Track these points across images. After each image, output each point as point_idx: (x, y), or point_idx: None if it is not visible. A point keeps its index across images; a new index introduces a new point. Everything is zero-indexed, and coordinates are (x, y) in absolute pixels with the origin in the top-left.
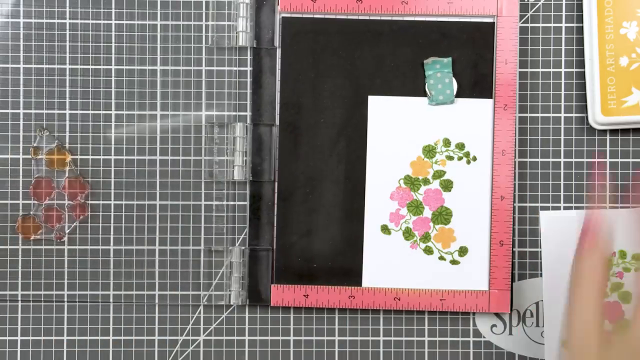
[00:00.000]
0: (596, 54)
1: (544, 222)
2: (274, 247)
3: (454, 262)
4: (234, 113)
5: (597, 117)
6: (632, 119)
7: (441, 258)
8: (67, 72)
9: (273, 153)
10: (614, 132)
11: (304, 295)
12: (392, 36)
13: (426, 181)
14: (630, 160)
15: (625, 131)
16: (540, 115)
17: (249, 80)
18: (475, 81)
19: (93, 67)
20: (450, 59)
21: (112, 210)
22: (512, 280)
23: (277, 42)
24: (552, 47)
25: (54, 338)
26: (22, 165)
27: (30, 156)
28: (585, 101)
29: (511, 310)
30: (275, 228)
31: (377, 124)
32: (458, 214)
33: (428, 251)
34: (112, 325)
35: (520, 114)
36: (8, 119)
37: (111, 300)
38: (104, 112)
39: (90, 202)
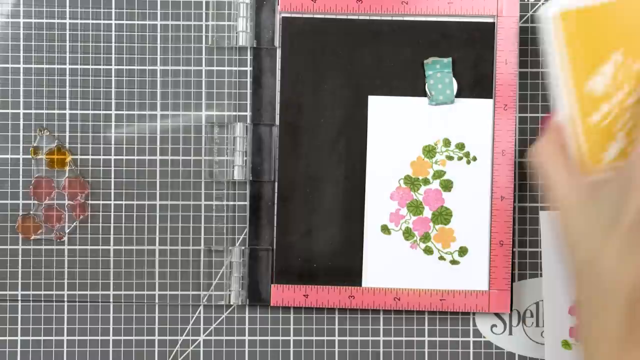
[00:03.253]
0: (572, 111)
1: (544, 222)
2: (274, 247)
3: (454, 262)
4: (234, 113)
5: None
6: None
7: (441, 258)
8: (67, 72)
9: (273, 153)
10: None
11: (304, 295)
12: (392, 36)
13: (426, 181)
14: None
15: None
16: (540, 115)
17: (249, 80)
18: (475, 81)
19: (93, 67)
20: (450, 59)
21: (112, 210)
22: (512, 280)
23: (277, 42)
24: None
25: (54, 338)
26: (22, 165)
27: (30, 156)
28: None
29: (511, 310)
30: (275, 228)
31: (377, 124)
32: (458, 214)
33: (428, 251)
34: (112, 325)
35: (520, 114)
36: (8, 119)
37: (111, 300)
38: (104, 112)
39: (90, 202)
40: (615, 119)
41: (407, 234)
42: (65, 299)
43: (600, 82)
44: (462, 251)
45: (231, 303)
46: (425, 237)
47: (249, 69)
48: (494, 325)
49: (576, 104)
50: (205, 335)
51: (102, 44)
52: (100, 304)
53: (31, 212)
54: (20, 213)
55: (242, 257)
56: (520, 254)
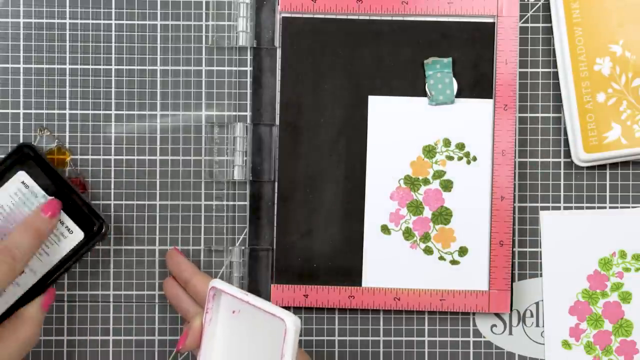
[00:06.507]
0: (573, 92)
1: (544, 222)
2: (274, 247)
3: (454, 262)
4: (234, 113)
5: (580, 154)
6: (615, 154)
7: (441, 258)
8: (67, 72)
9: (273, 153)
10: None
11: (304, 295)
12: (392, 36)
13: (426, 181)
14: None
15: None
16: (540, 115)
17: (249, 80)
18: (476, 81)
19: (93, 67)
20: (450, 59)
21: (112, 210)
22: (512, 280)
23: (277, 42)
24: (552, 47)
25: (54, 338)
26: None
27: None
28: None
29: (511, 310)
30: (275, 228)
31: (377, 124)
32: (458, 214)
33: (428, 251)
34: (112, 325)
35: (520, 114)
36: (8, 119)
37: (111, 300)
38: (104, 112)
39: (90, 202)
40: (620, 99)
41: (407, 234)
42: (66, 299)
43: (607, 63)
44: (462, 251)
45: None
46: (425, 237)
47: (249, 69)
48: (494, 325)
49: (573, 86)
50: None
51: (102, 44)
52: (100, 304)
53: None
54: None
55: (242, 257)
56: (520, 254)
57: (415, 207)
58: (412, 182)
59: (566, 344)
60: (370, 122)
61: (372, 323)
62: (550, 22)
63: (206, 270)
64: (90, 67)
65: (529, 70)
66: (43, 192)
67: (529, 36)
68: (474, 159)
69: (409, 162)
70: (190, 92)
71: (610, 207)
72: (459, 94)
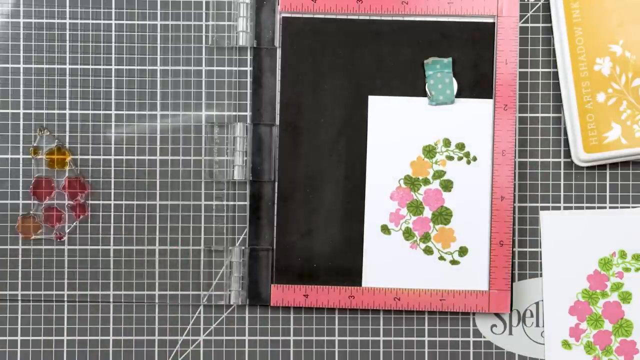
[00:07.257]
0: (573, 92)
1: (544, 222)
2: (274, 247)
3: (454, 262)
4: (234, 113)
5: (580, 154)
6: (615, 154)
7: (441, 258)
8: (67, 72)
9: (273, 153)
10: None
11: (304, 295)
12: (392, 36)
13: (426, 181)
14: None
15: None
16: (540, 115)
17: (249, 80)
18: (476, 81)
19: (93, 67)
20: (450, 59)
21: (112, 210)
22: (512, 280)
23: (277, 42)
24: (552, 47)
25: (54, 338)
26: (22, 165)
27: (30, 156)
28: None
29: (511, 310)
30: (275, 228)
31: (377, 124)
32: (458, 214)
33: (428, 251)
34: (112, 325)
35: (520, 114)
36: (8, 119)
37: (111, 300)
38: (104, 112)
39: (90, 202)
40: (620, 99)
41: (407, 234)
42: (65, 299)
43: (607, 63)
44: (462, 251)
45: (231, 303)
46: (425, 237)
47: (249, 69)
48: (494, 325)
49: (573, 86)
50: (205, 335)
51: (102, 44)
52: (100, 304)
53: (31, 212)
54: (20, 213)
55: (242, 257)
56: (520, 254)
57: (415, 207)
58: (412, 182)
59: (566, 344)
60: (370, 122)
61: (372, 323)
62: (550, 22)
63: (206, 271)
64: (90, 67)
65: (529, 70)
66: None
67: (529, 36)
68: (474, 159)
69: (409, 162)
70: (190, 92)
71: (610, 207)
72: (459, 94)
